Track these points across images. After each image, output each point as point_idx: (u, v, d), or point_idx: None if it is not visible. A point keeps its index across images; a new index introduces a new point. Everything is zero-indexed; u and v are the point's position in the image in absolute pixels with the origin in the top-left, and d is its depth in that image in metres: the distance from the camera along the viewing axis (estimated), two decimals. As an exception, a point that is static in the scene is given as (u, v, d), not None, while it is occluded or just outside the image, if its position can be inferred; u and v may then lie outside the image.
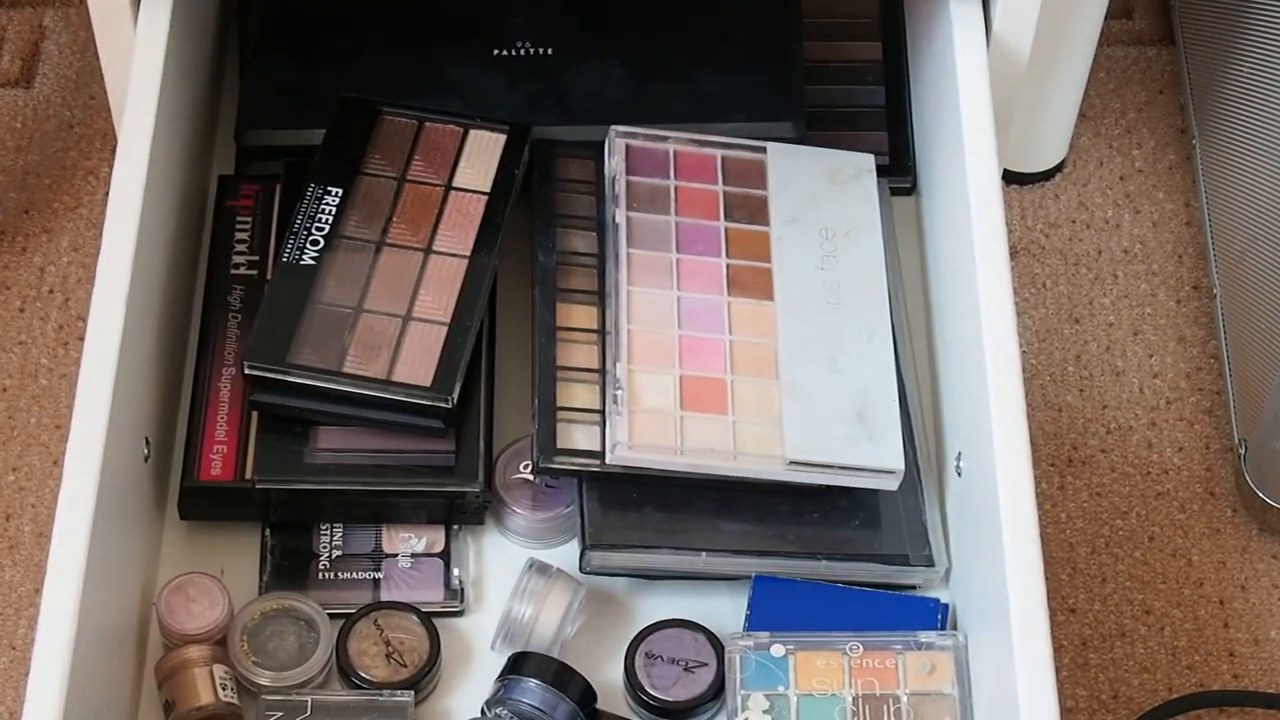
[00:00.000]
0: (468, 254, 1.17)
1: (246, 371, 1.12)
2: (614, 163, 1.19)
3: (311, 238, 1.16)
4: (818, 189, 1.20)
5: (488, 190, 1.19)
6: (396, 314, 1.14)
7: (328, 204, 1.17)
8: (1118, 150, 1.47)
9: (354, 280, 1.15)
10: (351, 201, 1.18)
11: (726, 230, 1.19)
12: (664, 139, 1.21)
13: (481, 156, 1.20)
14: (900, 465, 1.11)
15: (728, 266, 1.17)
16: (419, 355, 1.13)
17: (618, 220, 1.17)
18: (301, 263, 1.15)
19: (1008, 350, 1.08)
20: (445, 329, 1.13)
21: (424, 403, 1.12)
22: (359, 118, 1.22)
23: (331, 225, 1.17)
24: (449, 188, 1.19)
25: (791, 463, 1.10)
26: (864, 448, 1.11)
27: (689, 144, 1.21)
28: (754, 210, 1.19)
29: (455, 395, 1.12)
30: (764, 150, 1.21)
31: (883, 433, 1.12)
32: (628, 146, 1.20)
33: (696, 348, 1.14)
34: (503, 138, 1.21)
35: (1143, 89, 1.50)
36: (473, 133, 1.21)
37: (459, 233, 1.17)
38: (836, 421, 1.11)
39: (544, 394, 1.13)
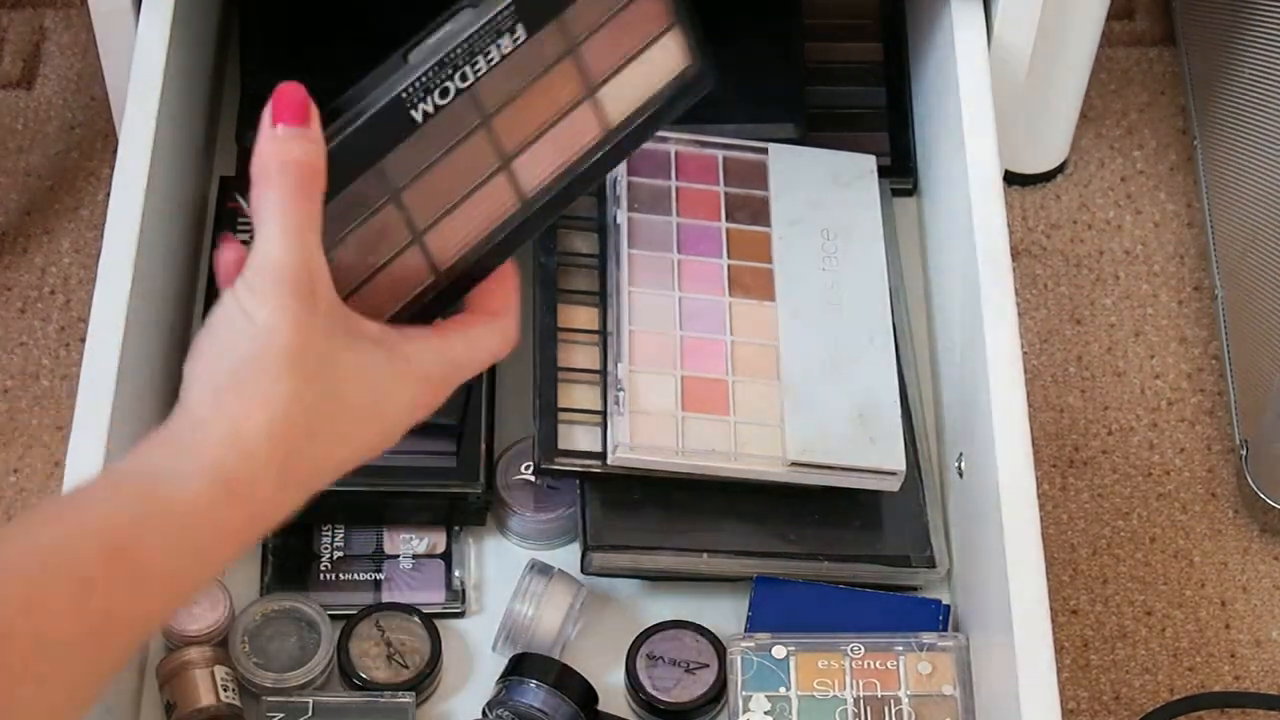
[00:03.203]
0: (528, 194, 0.94)
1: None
2: (615, 164, 1.20)
3: (443, 84, 0.89)
4: (819, 190, 1.20)
5: (617, 121, 0.94)
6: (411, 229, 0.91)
7: (501, 44, 0.90)
8: (1119, 151, 1.47)
9: (410, 165, 0.90)
10: (520, 54, 0.90)
11: (728, 231, 1.19)
12: (665, 139, 1.21)
13: (649, 74, 0.95)
14: (901, 466, 1.11)
15: (729, 267, 1.17)
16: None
17: (619, 221, 1.17)
18: (410, 114, 0.88)
19: (1009, 351, 1.08)
20: (432, 281, 0.92)
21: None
22: None
23: (479, 75, 0.89)
24: (588, 96, 0.93)
25: (793, 464, 1.10)
26: (865, 449, 1.11)
27: (690, 145, 1.21)
28: (755, 211, 1.19)
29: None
30: (765, 151, 1.21)
31: (884, 434, 1.11)
32: (629, 147, 1.20)
33: (698, 349, 1.14)
34: (689, 61, 0.95)
35: (1144, 90, 1.50)
36: (665, 40, 0.94)
37: (545, 157, 0.93)
38: (838, 422, 1.11)
39: (545, 395, 1.13)
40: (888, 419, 1.12)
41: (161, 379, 1.16)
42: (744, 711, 1.07)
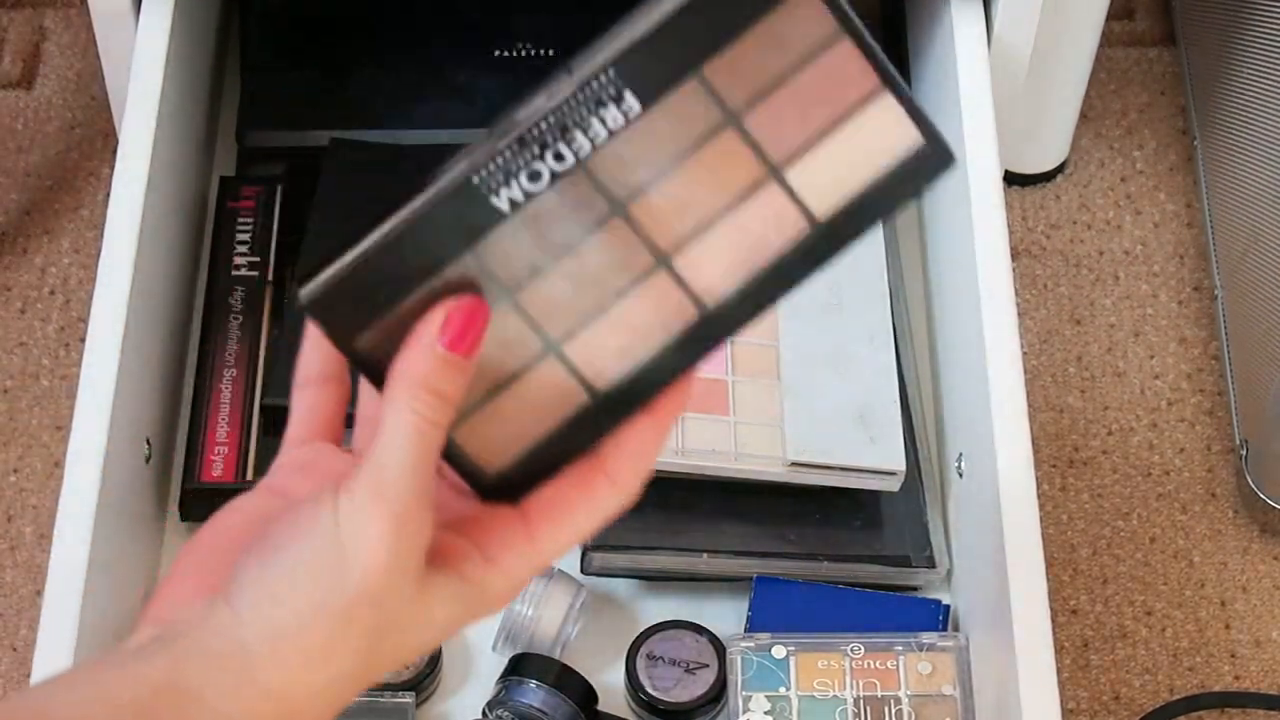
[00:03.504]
0: (712, 300, 0.73)
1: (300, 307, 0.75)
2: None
3: (531, 167, 0.70)
4: (819, 190, 1.20)
5: (820, 217, 0.72)
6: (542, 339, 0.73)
7: (608, 117, 0.70)
8: (1119, 151, 1.47)
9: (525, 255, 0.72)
10: (644, 128, 0.70)
11: (728, 231, 1.18)
12: (665, 140, 1.20)
13: (858, 152, 0.72)
14: (901, 466, 1.11)
15: (729, 267, 1.17)
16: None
17: (619, 221, 1.17)
18: (491, 201, 0.70)
19: (1009, 351, 1.08)
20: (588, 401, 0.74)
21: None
22: None
23: (584, 156, 0.70)
24: (771, 179, 0.72)
25: (793, 464, 1.10)
26: (865, 449, 1.11)
27: (690, 145, 1.21)
28: (755, 211, 1.19)
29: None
30: (765, 151, 1.21)
31: (884, 434, 1.11)
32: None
33: (698, 349, 1.14)
34: (914, 136, 0.71)
35: (1144, 90, 1.50)
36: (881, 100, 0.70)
37: (723, 253, 0.73)
38: (838, 423, 1.11)
39: (545, 395, 1.13)
40: (888, 419, 1.12)
41: (161, 379, 1.16)
42: (744, 711, 1.07)
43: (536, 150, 0.70)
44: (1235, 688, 1.25)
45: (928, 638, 1.09)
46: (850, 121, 0.71)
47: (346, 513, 0.69)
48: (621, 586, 1.15)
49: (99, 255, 1.10)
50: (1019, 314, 1.22)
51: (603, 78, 0.70)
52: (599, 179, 0.71)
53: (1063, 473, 1.32)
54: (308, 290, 0.70)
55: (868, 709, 1.07)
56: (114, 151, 1.35)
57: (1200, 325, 1.38)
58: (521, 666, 1.08)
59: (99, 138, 1.46)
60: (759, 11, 0.69)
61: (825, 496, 1.13)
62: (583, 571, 1.12)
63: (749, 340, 1.14)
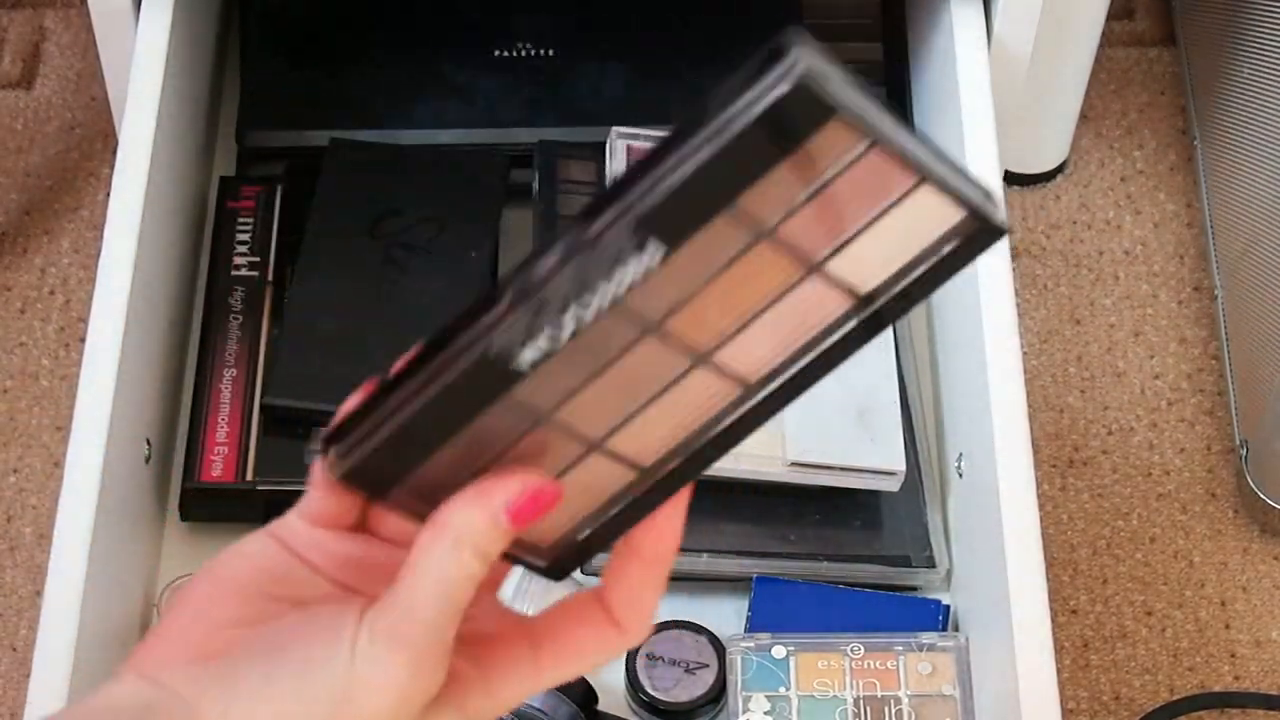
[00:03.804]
0: (748, 378, 0.71)
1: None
2: (615, 164, 1.19)
3: (557, 323, 0.66)
4: (819, 190, 1.20)
5: (862, 292, 0.69)
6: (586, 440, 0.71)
7: (631, 266, 0.65)
8: (1119, 151, 1.47)
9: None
10: (672, 267, 0.66)
11: (728, 231, 1.18)
12: (665, 140, 1.20)
13: (896, 237, 0.68)
14: (901, 466, 1.11)
15: (729, 267, 1.17)
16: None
17: (619, 221, 1.17)
18: (511, 366, 0.66)
19: (1009, 351, 1.08)
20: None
21: None
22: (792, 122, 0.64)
23: (606, 306, 0.66)
24: (809, 275, 0.68)
25: (793, 464, 1.10)
26: (865, 449, 1.11)
27: (690, 145, 1.21)
28: (755, 211, 1.19)
29: None
30: (765, 151, 1.21)
31: (884, 434, 1.11)
32: (629, 147, 1.20)
33: (698, 349, 1.14)
34: (961, 216, 0.67)
35: (1144, 90, 1.50)
36: (922, 190, 0.66)
37: (763, 341, 0.70)
38: (838, 423, 1.11)
39: (545, 395, 1.13)
40: (888, 419, 1.12)
41: (161, 379, 1.16)
42: (744, 711, 1.07)
43: (557, 311, 0.67)
44: (1235, 688, 1.25)
45: (928, 638, 1.09)
46: (888, 215, 0.68)
47: (364, 649, 0.67)
48: (621, 586, 1.15)
49: (99, 255, 1.10)
50: (1019, 314, 1.22)
51: (624, 231, 0.65)
52: (626, 316, 0.67)
53: (1063, 473, 1.32)
54: (344, 466, 0.69)
55: (868, 709, 1.07)
56: (114, 151, 1.35)
57: (1200, 325, 1.38)
58: (521, 666, 1.08)
59: (99, 138, 1.46)
60: (788, 149, 0.65)
61: (825, 496, 1.13)
62: (583, 571, 1.12)
63: (749, 340, 1.14)
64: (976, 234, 0.68)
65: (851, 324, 0.70)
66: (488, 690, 0.71)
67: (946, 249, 0.69)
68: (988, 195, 0.67)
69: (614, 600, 0.72)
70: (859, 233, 0.68)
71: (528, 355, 0.67)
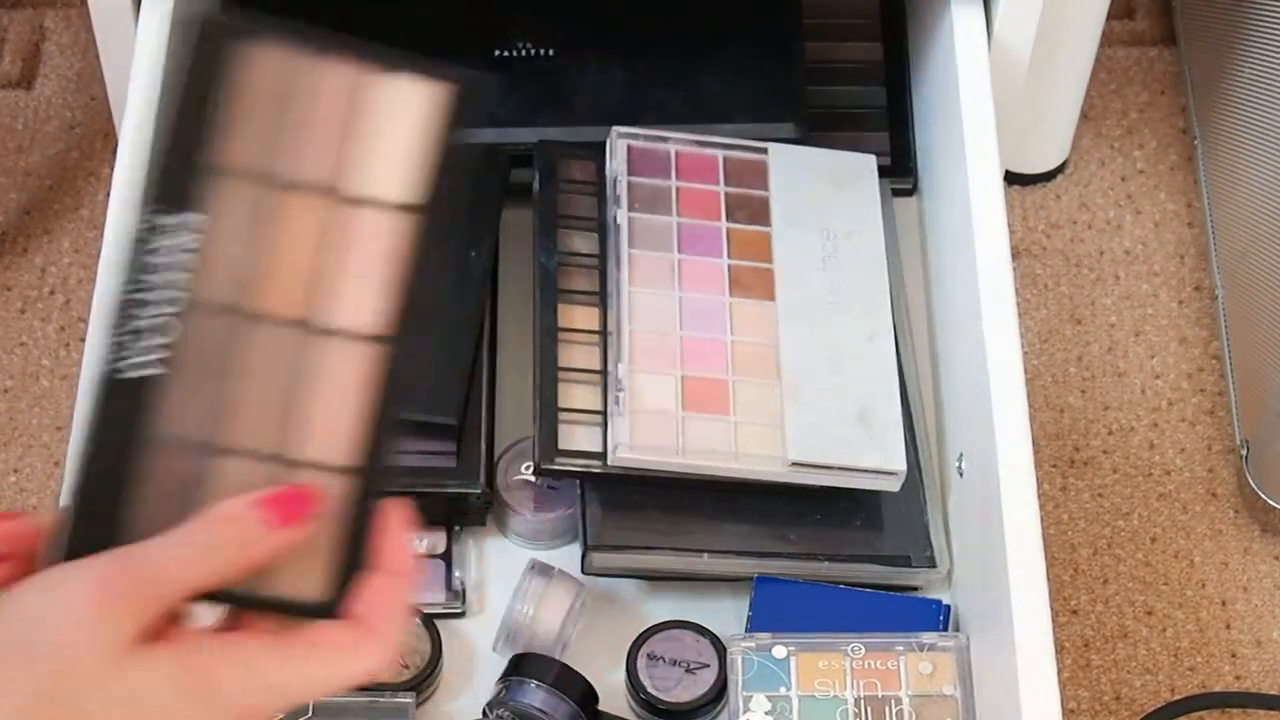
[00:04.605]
0: (381, 328, 0.72)
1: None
2: (615, 163, 1.19)
3: (141, 324, 0.72)
4: (819, 190, 1.20)
5: (414, 201, 0.71)
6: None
7: (170, 243, 0.71)
8: (1119, 151, 1.47)
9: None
10: (208, 236, 0.71)
11: (728, 231, 1.19)
12: (665, 140, 1.21)
13: (400, 130, 0.72)
14: (902, 466, 1.11)
15: (729, 267, 1.17)
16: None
17: (619, 221, 1.17)
18: (131, 375, 0.71)
19: (1009, 351, 1.08)
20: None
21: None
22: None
23: (173, 287, 0.72)
24: (334, 203, 0.71)
25: (793, 464, 1.10)
26: (866, 449, 1.11)
27: (690, 145, 1.21)
28: (755, 211, 1.19)
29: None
30: (765, 151, 1.21)
31: (884, 434, 1.11)
32: (629, 147, 1.20)
33: (698, 349, 1.14)
34: (439, 87, 0.71)
35: (1144, 89, 1.50)
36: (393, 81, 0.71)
37: (351, 283, 0.72)
38: (838, 423, 1.11)
39: (545, 395, 1.13)
40: (888, 419, 1.12)
41: (161, 379, 1.16)
42: (744, 711, 1.07)
43: (136, 310, 0.70)
44: (1236, 688, 1.25)
45: (928, 638, 1.09)
46: (375, 119, 0.71)
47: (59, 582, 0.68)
48: (621, 586, 1.15)
49: (99, 255, 1.10)
50: (1019, 314, 1.22)
51: (140, 212, 0.69)
52: (206, 310, 0.70)
53: (1063, 473, 1.32)
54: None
55: (868, 709, 1.07)
56: (114, 151, 1.35)
57: (1200, 325, 1.38)
58: (522, 666, 1.08)
59: (99, 137, 1.45)
60: (214, 82, 0.70)
61: (825, 496, 1.13)
62: (583, 571, 1.12)
63: (749, 340, 1.14)
64: (463, 96, 0.71)
65: (419, 236, 0.71)
66: (220, 654, 0.70)
67: (446, 126, 0.71)
68: (449, 63, 0.71)
69: (369, 613, 0.73)
70: (361, 145, 0.71)
71: (137, 364, 0.70)
